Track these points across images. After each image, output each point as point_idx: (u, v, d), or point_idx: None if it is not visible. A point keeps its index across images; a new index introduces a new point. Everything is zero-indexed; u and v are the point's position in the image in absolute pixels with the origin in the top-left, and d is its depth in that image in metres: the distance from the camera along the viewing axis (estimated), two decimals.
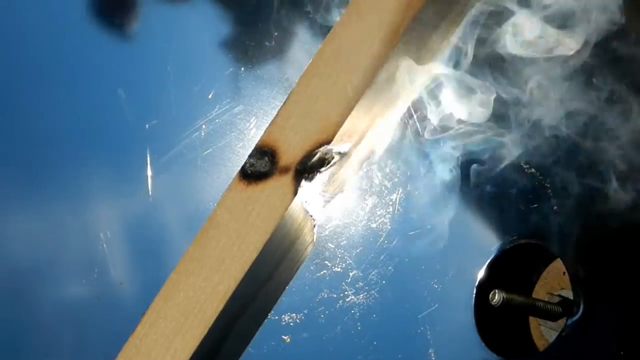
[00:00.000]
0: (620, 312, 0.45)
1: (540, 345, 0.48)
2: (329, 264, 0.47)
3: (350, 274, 0.46)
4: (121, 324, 0.46)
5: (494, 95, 0.44)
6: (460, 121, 0.47)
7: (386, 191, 0.46)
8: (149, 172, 0.48)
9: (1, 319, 0.50)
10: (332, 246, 0.46)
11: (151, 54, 0.47)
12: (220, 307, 0.42)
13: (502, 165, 0.45)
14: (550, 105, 0.46)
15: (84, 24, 0.48)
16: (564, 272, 0.46)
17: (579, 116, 0.46)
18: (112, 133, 0.47)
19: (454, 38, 0.46)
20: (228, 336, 0.45)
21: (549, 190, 0.47)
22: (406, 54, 0.44)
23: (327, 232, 0.46)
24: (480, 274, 0.46)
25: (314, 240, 0.45)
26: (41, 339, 0.50)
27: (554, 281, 0.47)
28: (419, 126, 0.45)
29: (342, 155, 0.43)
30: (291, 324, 0.47)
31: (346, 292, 0.46)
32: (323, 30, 0.45)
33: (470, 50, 0.44)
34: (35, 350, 0.50)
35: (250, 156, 0.42)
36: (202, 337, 0.43)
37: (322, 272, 0.46)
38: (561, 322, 0.46)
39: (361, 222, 0.46)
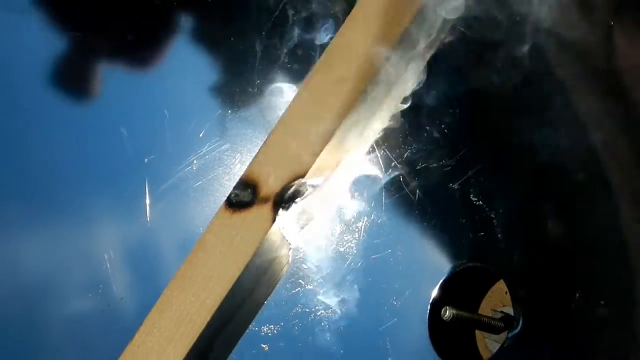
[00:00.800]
0: (555, 327, 0.48)
1: (485, 355, 0.51)
2: (303, 283, 0.50)
3: (321, 291, 0.49)
4: (122, 333, 0.48)
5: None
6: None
7: (353, 220, 0.49)
8: (148, 201, 0.50)
9: (16, 329, 0.52)
10: (306, 267, 0.49)
11: (151, 99, 0.50)
12: (208, 319, 0.44)
13: (455, 198, 0.49)
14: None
15: None
16: (506, 292, 0.49)
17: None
18: (116, 166, 0.50)
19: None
20: (214, 345, 0.47)
21: (494, 221, 0.49)
22: (370, 102, 0.47)
23: (301, 255, 0.49)
24: (434, 292, 0.49)
25: (290, 261, 0.49)
26: (52, 346, 0.52)
27: (498, 299, 0.50)
28: (381, 162, 0.49)
29: (315, 187, 0.45)
30: (269, 334, 0.50)
31: (317, 308, 0.49)
32: (299, 79, 0.49)
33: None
34: (47, 356, 0.52)
35: (235, 188, 0.44)
36: (191, 345, 0.45)
37: (296, 290, 0.49)
38: (503, 336, 0.50)
39: (331, 247, 0.49)
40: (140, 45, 0.54)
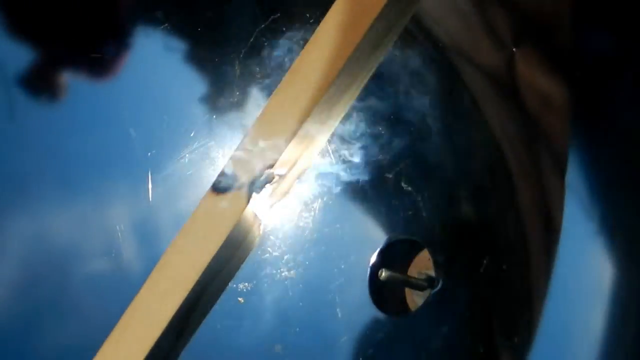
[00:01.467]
0: (467, 286, 0.54)
1: (412, 307, 0.55)
2: (270, 250, 0.54)
3: (285, 257, 0.54)
4: (130, 288, 0.50)
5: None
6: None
7: (309, 201, 0.54)
8: (150, 186, 0.55)
9: (45, 285, 0.55)
10: (272, 237, 0.53)
11: (153, 107, 0.56)
12: (199, 275, 0.50)
13: (389, 184, 0.54)
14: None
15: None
16: (429, 258, 0.54)
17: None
18: (126, 158, 0.55)
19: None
20: (201, 299, 0.51)
21: (420, 203, 0.54)
22: (325, 107, 0.52)
23: (269, 228, 0.53)
24: (373, 258, 0.53)
25: (260, 233, 0.52)
26: (73, 297, 0.55)
27: (422, 264, 0.54)
28: (332, 155, 0.54)
29: (280, 176, 0.51)
30: (244, 290, 0.53)
31: (281, 269, 0.54)
32: (269, 93, 0.53)
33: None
34: (70, 306, 0.55)
35: (219, 176, 0.50)
36: (184, 298, 0.50)
37: (265, 255, 0.53)
38: (426, 292, 0.55)
39: (292, 222, 0.54)
40: (99, 59, 0.57)
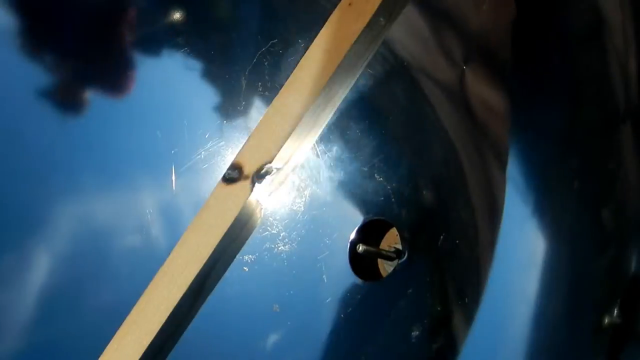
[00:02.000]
0: (428, 257, 0.55)
1: (384, 274, 0.56)
2: (269, 229, 0.54)
3: (281, 235, 0.54)
4: (155, 261, 0.51)
5: None
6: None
7: (301, 188, 0.54)
8: (174, 177, 0.55)
9: (86, 259, 0.54)
10: (271, 219, 0.54)
11: (176, 114, 0.55)
12: (210, 251, 0.51)
13: (365, 176, 0.55)
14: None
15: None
16: (397, 235, 0.55)
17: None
18: (154, 154, 0.55)
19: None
20: (213, 268, 0.51)
21: (390, 191, 0.54)
22: (313, 114, 0.53)
23: (268, 211, 0.54)
24: (352, 235, 0.54)
25: (261, 216, 0.53)
26: (110, 268, 0.54)
27: (392, 239, 0.56)
28: (319, 152, 0.54)
29: (278, 169, 0.52)
30: (249, 260, 0.53)
31: (278, 244, 0.54)
32: (269, 102, 0.53)
33: None
34: (106, 275, 0.54)
35: (228, 169, 0.51)
36: (200, 268, 0.51)
37: (265, 233, 0.54)
38: (395, 262, 0.55)
39: (287, 206, 0.54)
40: (112, 77, 0.56)
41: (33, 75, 0.55)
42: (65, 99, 0.56)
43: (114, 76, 0.57)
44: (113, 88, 0.57)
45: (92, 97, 0.56)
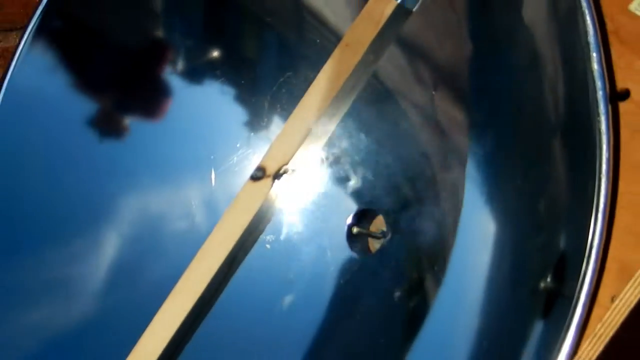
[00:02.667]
0: (405, 237, 0.53)
1: (373, 249, 0.55)
2: (285, 215, 0.55)
3: (294, 220, 0.54)
4: (198, 241, 0.51)
5: None
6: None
7: (310, 185, 0.54)
8: (213, 176, 0.56)
9: (143, 241, 0.56)
10: (286, 208, 0.54)
11: (214, 129, 0.56)
12: (240, 234, 0.51)
13: (358, 178, 0.54)
14: None
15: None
16: (383, 220, 0.54)
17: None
18: (198, 160, 0.56)
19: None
20: (243, 246, 0.52)
21: (377, 187, 0.53)
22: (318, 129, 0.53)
23: (285, 202, 0.54)
24: (349, 220, 0.54)
25: (279, 205, 0.54)
26: (163, 246, 0.55)
27: (379, 224, 0.55)
28: (324, 158, 0.54)
29: (293, 170, 0.52)
30: (269, 240, 0.54)
31: (292, 228, 0.54)
32: (285, 119, 0.53)
33: None
34: (161, 253, 0.55)
35: (254, 170, 0.52)
36: (232, 246, 0.51)
37: (282, 219, 0.54)
38: (381, 241, 0.54)
39: (299, 198, 0.54)
40: (148, 105, 0.58)
41: (81, 105, 0.57)
42: (106, 126, 0.58)
43: (150, 104, 0.59)
44: (149, 114, 0.58)
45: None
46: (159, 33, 0.58)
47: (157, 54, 0.57)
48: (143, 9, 0.57)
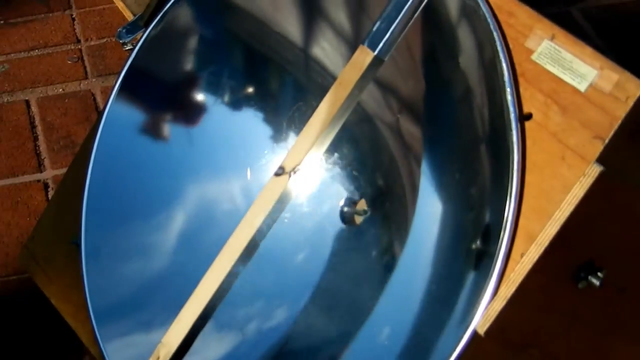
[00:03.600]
0: (380, 215, 0.53)
1: (358, 222, 0.54)
2: (296, 201, 0.55)
3: (302, 204, 0.55)
4: (238, 219, 0.49)
5: None
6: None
7: (315, 179, 0.54)
8: (248, 173, 0.57)
9: (200, 219, 0.56)
10: (297, 196, 0.54)
11: (247, 139, 0.57)
12: (266, 214, 0.49)
13: (347, 173, 0.56)
14: None
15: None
16: (365, 203, 0.53)
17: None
18: (237, 161, 0.57)
19: None
20: (266, 221, 0.49)
21: (361, 180, 0.53)
22: (322, 139, 0.51)
23: (297, 191, 0.53)
24: (341, 202, 0.53)
25: (293, 195, 0.52)
26: (215, 225, 0.55)
27: (362, 205, 0.54)
28: (324, 160, 0.55)
29: (303, 169, 0.49)
30: (287, 216, 0.54)
31: (302, 208, 0.55)
32: (298, 132, 0.52)
33: None
34: (213, 229, 0.56)
35: (277, 169, 0.50)
36: (260, 223, 0.49)
37: (293, 202, 0.53)
38: (363, 216, 0.53)
39: (307, 188, 0.55)
40: (186, 113, 0.59)
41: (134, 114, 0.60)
42: (153, 133, 0.60)
43: (187, 115, 0.59)
44: (187, 122, 0.60)
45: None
46: (212, 79, 0.59)
47: (189, 83, 0.58)
48: (204, 63, 0.59)
